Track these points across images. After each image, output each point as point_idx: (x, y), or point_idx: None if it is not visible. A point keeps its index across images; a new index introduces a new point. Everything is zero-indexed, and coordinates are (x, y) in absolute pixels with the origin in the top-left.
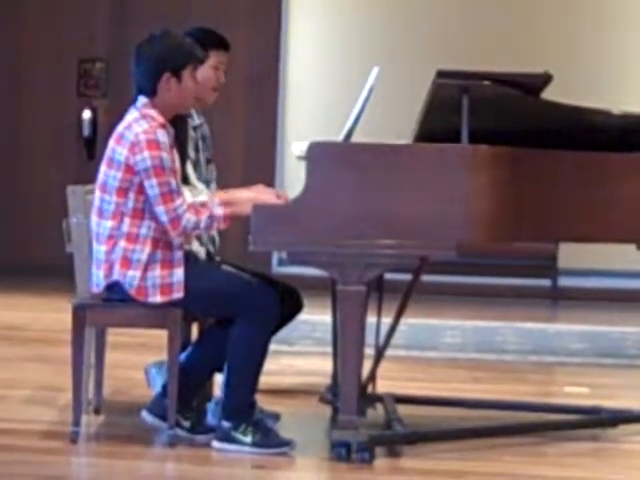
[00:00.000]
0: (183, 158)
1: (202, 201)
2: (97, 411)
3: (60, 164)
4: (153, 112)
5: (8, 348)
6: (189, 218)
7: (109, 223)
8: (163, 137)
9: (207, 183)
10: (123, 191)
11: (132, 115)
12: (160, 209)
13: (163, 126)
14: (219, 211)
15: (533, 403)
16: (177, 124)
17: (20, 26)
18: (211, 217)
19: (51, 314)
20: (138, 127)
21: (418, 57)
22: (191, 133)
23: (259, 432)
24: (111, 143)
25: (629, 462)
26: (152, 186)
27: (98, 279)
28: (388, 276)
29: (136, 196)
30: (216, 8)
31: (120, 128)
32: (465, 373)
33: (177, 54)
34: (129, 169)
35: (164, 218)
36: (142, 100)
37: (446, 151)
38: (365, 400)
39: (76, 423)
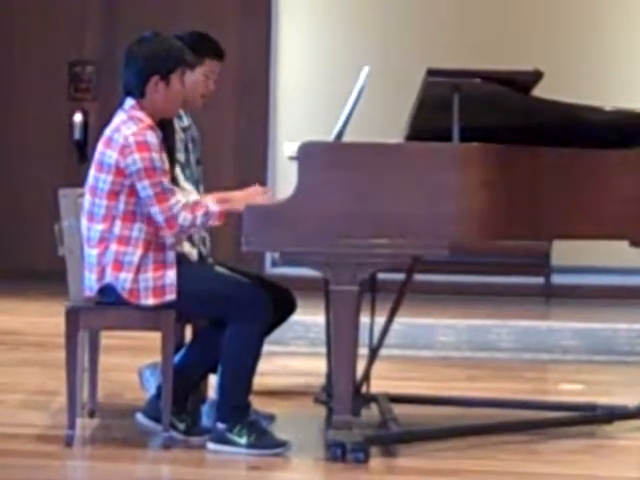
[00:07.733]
0: (172, 162)
1: (195, 200)
2: (92, 414)
3: (51, 167)
4: (141, 114)
5: (1, 353)
6: (185, 216)
7: (100, 226)
8: (152, 138)
9: (197, 184)
10: (114, 194)
11: (120, 118)
12: (155, 209)
13: (151, 128)
14: (215, 208)
15: (528, 401)
16: (165, 128)
17: (10, 30)
18: (207, 214)
19: (44, 318)
20: (127, 130)
21: (408, 57)
22: (180, 134)
23: (254, 433)
24: (100, 147)
25: (624, 458)
26: (145, 187)
27: (90, 282)
28: (381, 276)
29: (127, 199)
30: (206, 11)
31: (108, 131)
32: (459, 372)
33: (166, 57)
34: (119, 172)
35: (160, 218)
36: (129, 102)
37: (437, 150)
38: (359, 400)
39: (71, 426)
